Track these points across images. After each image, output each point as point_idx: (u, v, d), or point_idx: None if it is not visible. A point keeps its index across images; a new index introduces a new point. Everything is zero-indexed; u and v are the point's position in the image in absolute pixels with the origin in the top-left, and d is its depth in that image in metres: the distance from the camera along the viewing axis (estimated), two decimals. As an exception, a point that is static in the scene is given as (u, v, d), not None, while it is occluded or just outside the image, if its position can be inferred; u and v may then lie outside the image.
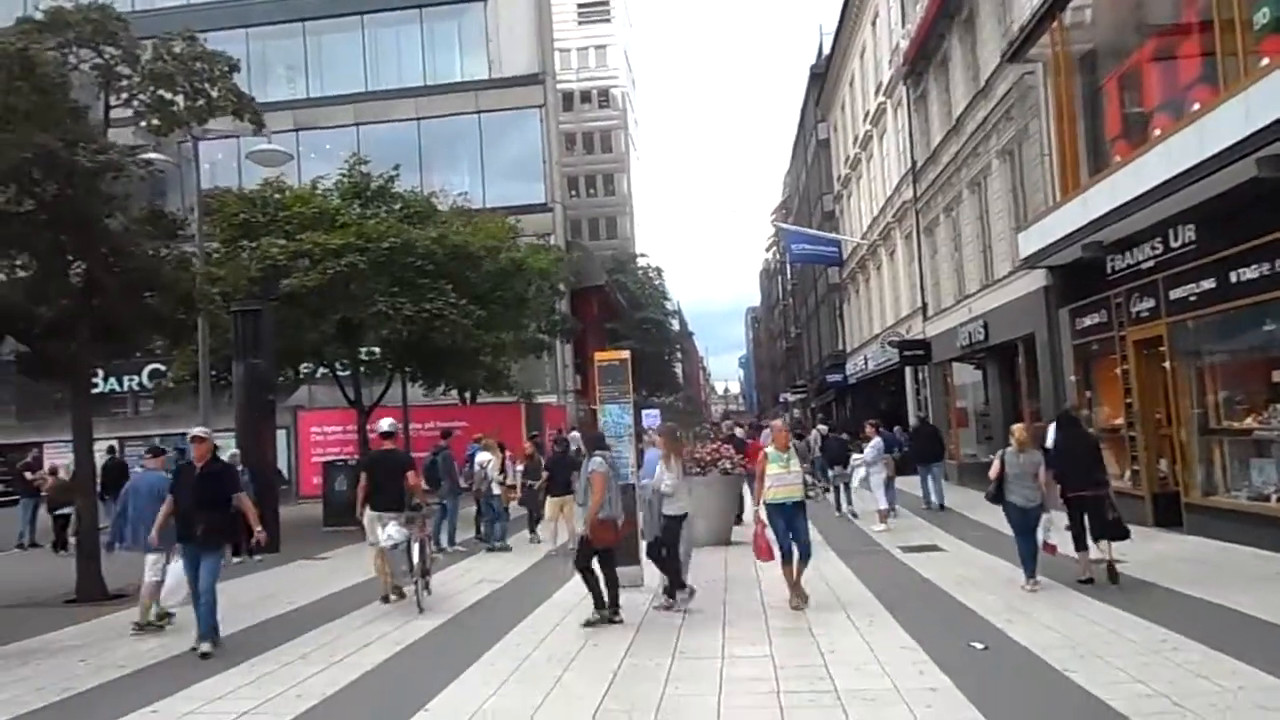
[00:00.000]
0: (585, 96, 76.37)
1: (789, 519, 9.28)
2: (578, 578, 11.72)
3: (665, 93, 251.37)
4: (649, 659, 7.42)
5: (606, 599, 9.03)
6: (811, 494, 10.35)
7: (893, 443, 17.45)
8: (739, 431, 20.95)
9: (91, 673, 7.80)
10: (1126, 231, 12.70)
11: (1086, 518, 9.71)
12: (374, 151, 22.70)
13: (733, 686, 6.55)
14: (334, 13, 39.46)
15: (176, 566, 8.94)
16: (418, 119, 38.42)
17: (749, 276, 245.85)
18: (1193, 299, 11.67)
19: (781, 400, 77.98)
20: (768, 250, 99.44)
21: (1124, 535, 9.75)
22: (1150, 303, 12.77)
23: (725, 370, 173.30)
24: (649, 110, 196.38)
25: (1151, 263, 12.55)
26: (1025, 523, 9.66)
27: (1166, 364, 12.49)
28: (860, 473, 16.39)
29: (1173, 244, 11.94)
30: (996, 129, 18.80)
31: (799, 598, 9.25)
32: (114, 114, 12.46)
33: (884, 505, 15.74)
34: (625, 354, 11.63)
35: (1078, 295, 15.21)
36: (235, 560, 14.39)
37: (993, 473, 9.96)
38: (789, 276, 73.88)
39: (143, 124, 12.34)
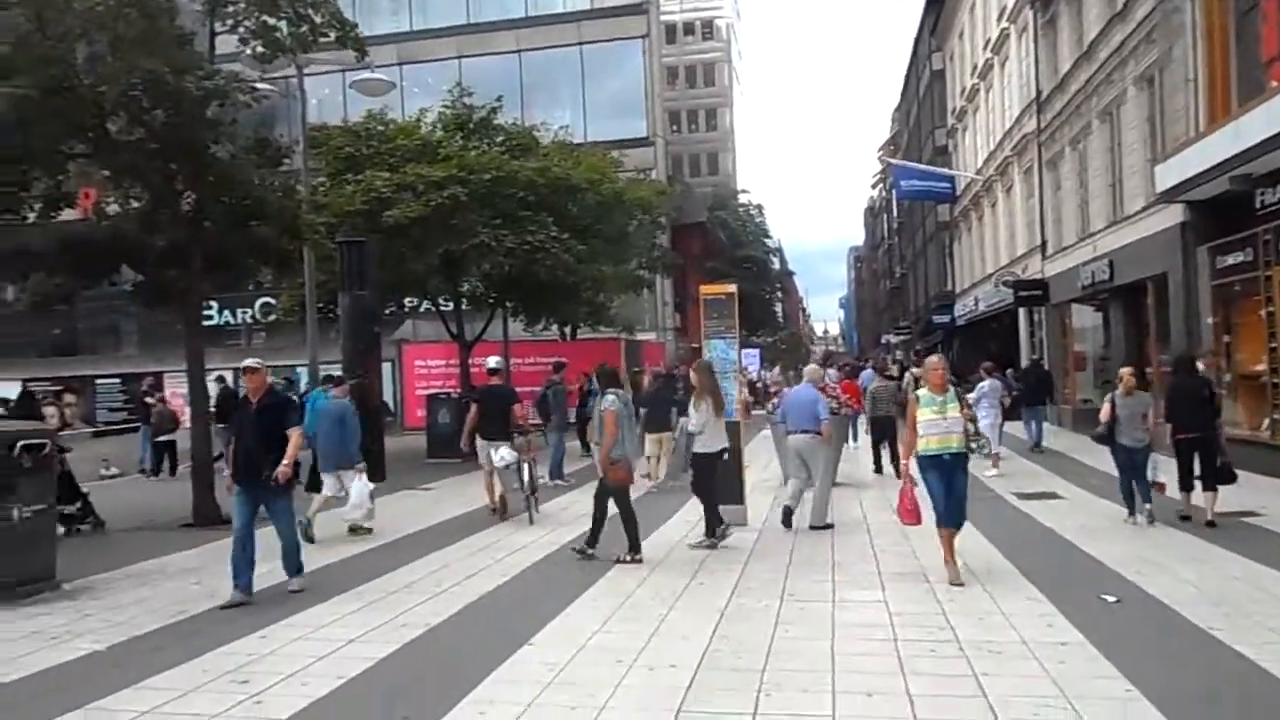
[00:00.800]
0: (689, 28, 74.75)
1: (947, 473, 7.72)
2: (680, 513, 11.71)
3: (771, 24, 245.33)
4: (756, 600, 7.16)
5: (627, 540, 8.82)
6: (974, 445, 8.58)
7: (1005, 386, 16.74)
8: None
9: (205, 595, 7.92)
10: (1282, 162, 11.66)
11: (1197, 460, 9.80)
12: (476, 85, 22.49)
13: (846, 632, 6.24)
14: (436, -55, 39.26)
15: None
16: (519, 51, 38.13)
17: (852, 215, 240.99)
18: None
19: (884, 341, 76.44)
20: (873, 187, 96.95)
21: (1231, 479, 9.76)
22: (1305, 239, 11.76)
23: (825, 310, 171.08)
24: (753, 43, 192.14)
25: (1309, 195, 11.52)
26: (1131, 462, 9.99)
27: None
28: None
29: (1336, 175, 10.90)
30: (1134, 54, 17.51)
31: (955, 571, 7.65)
32: (220, 42, 12.46)
33: (995, 449, 15.13)
34: (732, 288, 11.25)
35: (1220, 232, 14.15)
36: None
37: (1104, 415, 10.22)
38: (895, 215, 71.85)
39: (247, 50, 12.24)
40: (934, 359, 8.67)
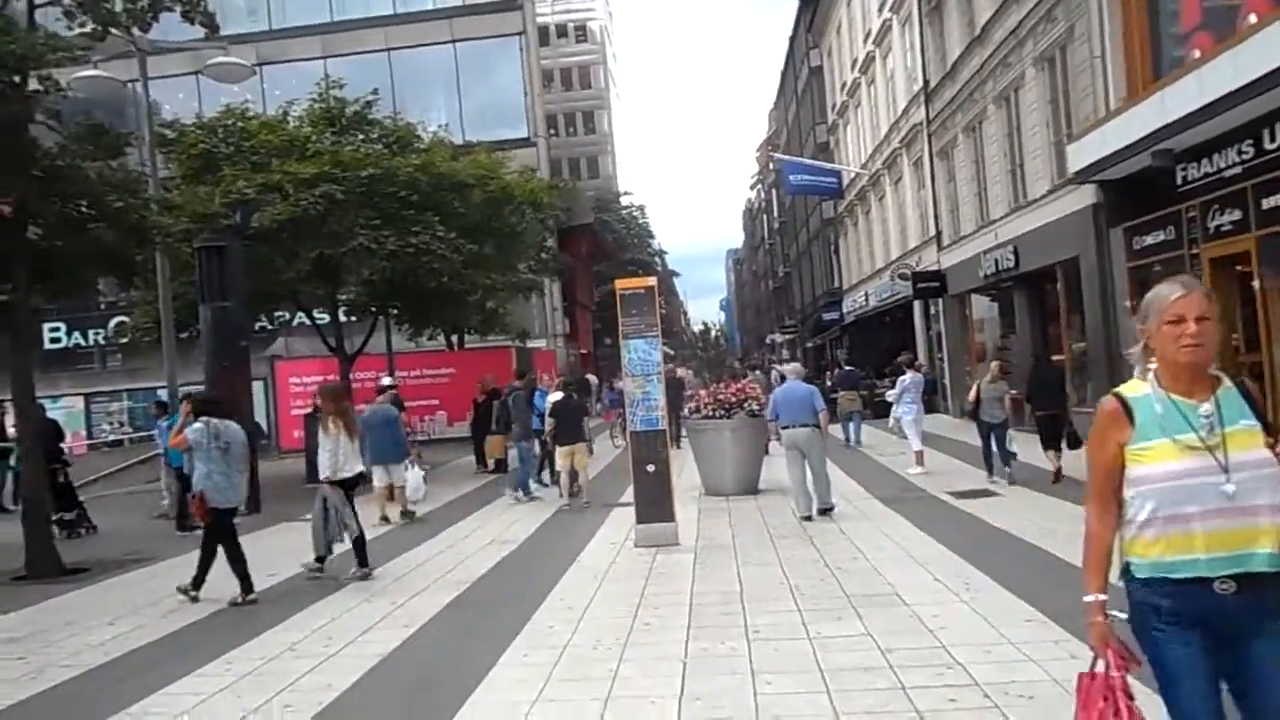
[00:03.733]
0: (561, 30, 73.54)
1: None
2: (601, 534, 10.53)
3: (644, 27, 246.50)
4: (719, 642, 6.02)
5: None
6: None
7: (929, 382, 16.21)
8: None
9: (29, 677, 6.33)
10: (1210, 135, 11.21)
11: (1051, 429, 12.33)
12: (346, 88, 20.75)
13: (840, 681, 5.14)
14: (296, -62, 37.08)
15: (414, 473, 12.84)
16: (388, 50, 36.22)
17: (727, 218, 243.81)
18: (1295, 206, 10.25)
19: (769, 341, 76.83)
20: (752, 188, 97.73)
21: (1077, 445, 11.80)
22: (1235, 215, 11.34)
23: (702, 314, 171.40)
24: (627, 46, 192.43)
25: (1239, 169, 11.09)
26: (991, 432, 12.50)
27: (1255, 284, 11.08)
28: (895, 411, 15.11)
29: (1268, 145, 10.46)
30: (1033, 34, 17.17)
31: None
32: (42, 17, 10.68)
33: (918, 446, 14.46)
34: (651, 281, 10.14)
35: (1136, 212, 13.77)
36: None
37: (971, 396, 13.02)
38: (776, 214, 72.24)
39: (74, 27, 10.50)
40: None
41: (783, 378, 22.29)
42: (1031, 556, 8.09)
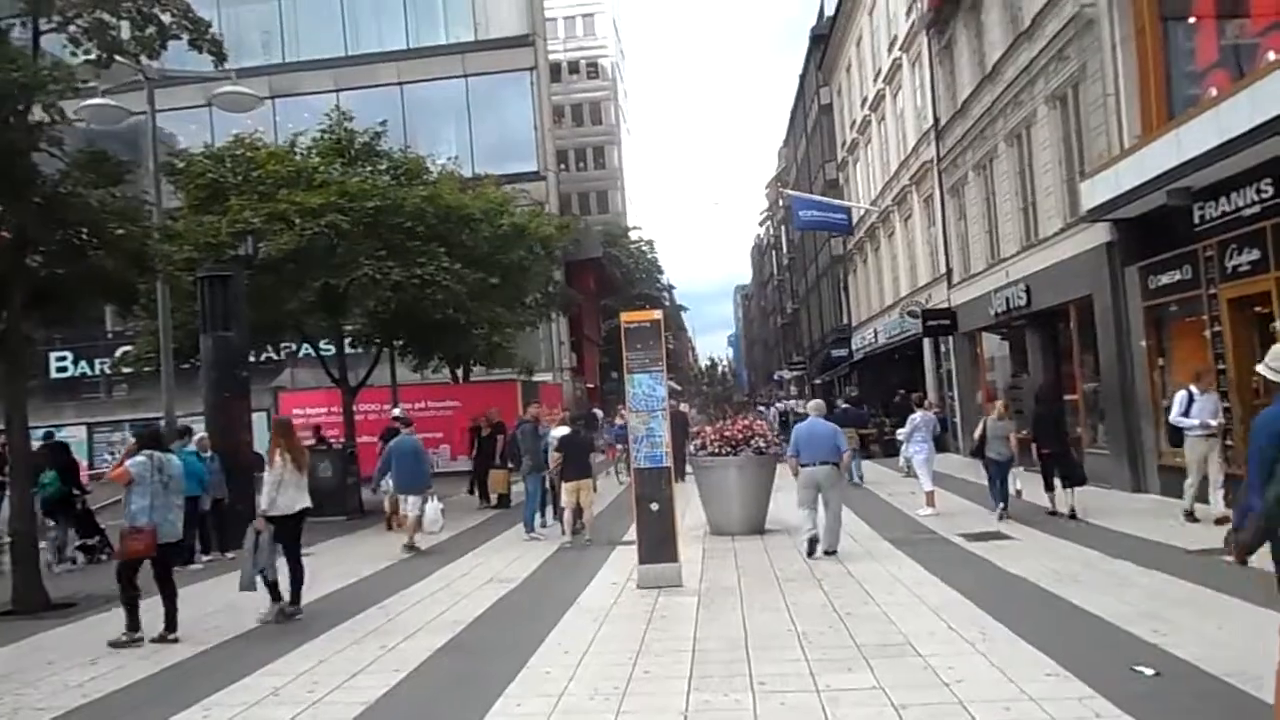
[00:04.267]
0: (573, 67, 74.11)
1: None
2: (602, 574, 10.25)
3: (655, 64, 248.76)
4: (723, 694, 5.73)
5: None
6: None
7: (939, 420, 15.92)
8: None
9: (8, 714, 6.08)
10: (1227, 173, 11.00)
11: (1056, 469, 12.55)
12: (355, 120, 20.71)
13: (850, 739, 4.88)
14: (310, -27, 37.43)
15: (431, 506, 13.55)
16: (400, 84, 36.40)
17: (735, 255, 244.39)
18: (1317, 246, 10.02)
19: (777, 378, 76.50)
20: (761, 225, 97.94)
21: (1082, 481, 12.53)
22: (1254, 254, 11.10)
23: (710, 350, 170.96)
24: (638, 83, 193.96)
25: (1258, 208, 10.87)
26: (999, 472, 12.70)
27: (1277, 324, 10.80)
28: (906, 451, 14.83)
29: (1289, 183, 10.26)
30: (1044, 72, 17.05)
31: None
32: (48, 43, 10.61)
33: (929, 487, 14.13)
34: (657, 314, 9.91)
35: (1151, 251, 13.54)
36: (205, 559, 12.73)
37: (976, 434, 13.22)
38: (785, 251, 72.24)
39: (79, 54, 10.42)
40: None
41: (781, 415, 22.90)
42: (1048, 604, 7.78)
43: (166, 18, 11.27)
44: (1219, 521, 10.10)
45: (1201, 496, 11.06)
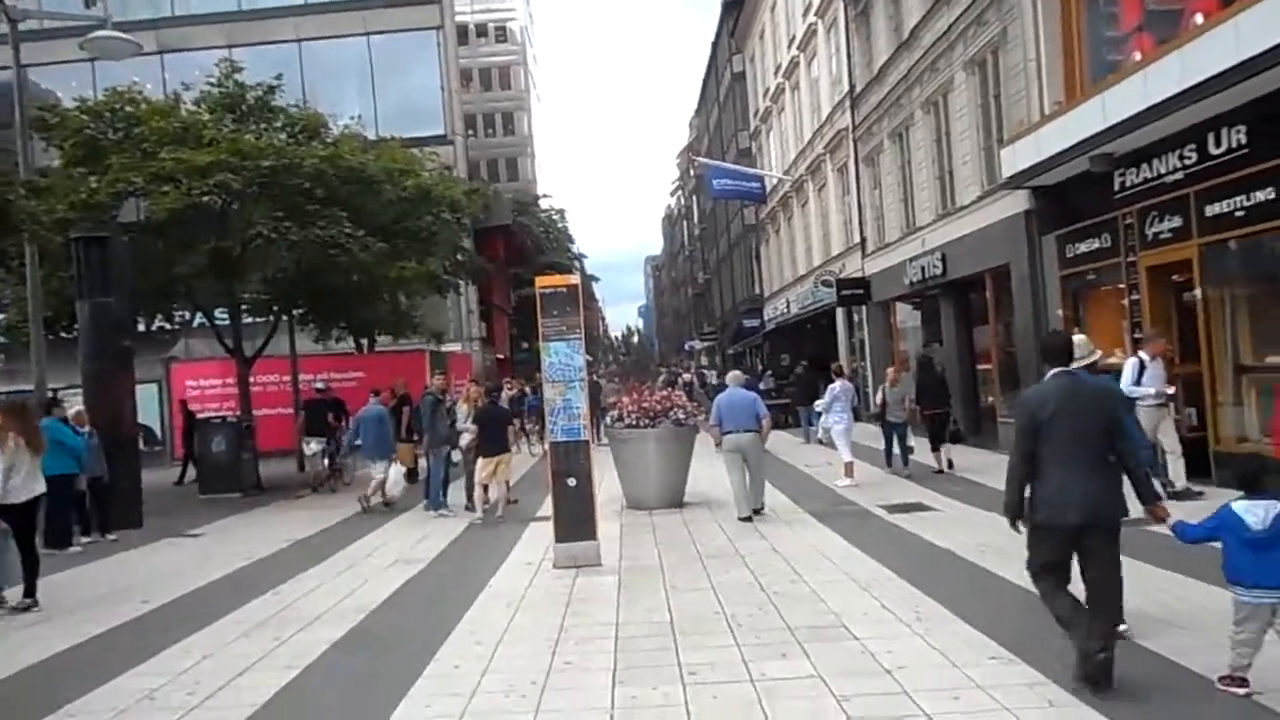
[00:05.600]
0: (481, 30, 72.17)
1: None
2: (516, 553, 9.72)
3: (565, 30, 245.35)
4: (650, 687, 5.26)
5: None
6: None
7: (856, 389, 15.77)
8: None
9: None
10: (1151, 139, 10.91)
11: (937, 428, 14.09)
12: (249, 79, 19.43)
13: (792, 736, 4.46)
14: (202, -79, 35.37)
15: (394, 470, 13.57)
16: (298, 40, 34.68)
17: (646, 226, 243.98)
18: (1239, 214, 9.94)
19: (688, 348, 76.62)
20: (672, 195, 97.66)
21: (960, 439, 15.21)
22: (1176, 221, 11.05)
23: (620, 320, 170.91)
24: (548, 49, 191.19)
25: (1180, 174, 10.80)
26: (893, 433, 14.15)
27: (1197, 291, 10.78)
28: (825, 421, 14.62)
29: (1213, 150, 10.17)
30: (963, 37, 16.89)
31: None
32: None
33: (848, 458, 13.93)
34: (574, 279, 9.40)
35: (1070, 219, 13.49)
36: (85, 540, 11.77)
37: (877, 400, 14.90)
38: (696, 221, 72.10)
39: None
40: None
41: (689, 384, 23.85)
42: (980, 580, 7.51)
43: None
44: (1177, 495, 9.54)
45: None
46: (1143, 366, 10.08)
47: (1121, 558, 5.06)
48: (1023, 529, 5.11)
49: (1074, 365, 5.61)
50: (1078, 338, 6.33)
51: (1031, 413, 4.96)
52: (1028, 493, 5.03)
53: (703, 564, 8.61)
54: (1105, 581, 4.93)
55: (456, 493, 13.14)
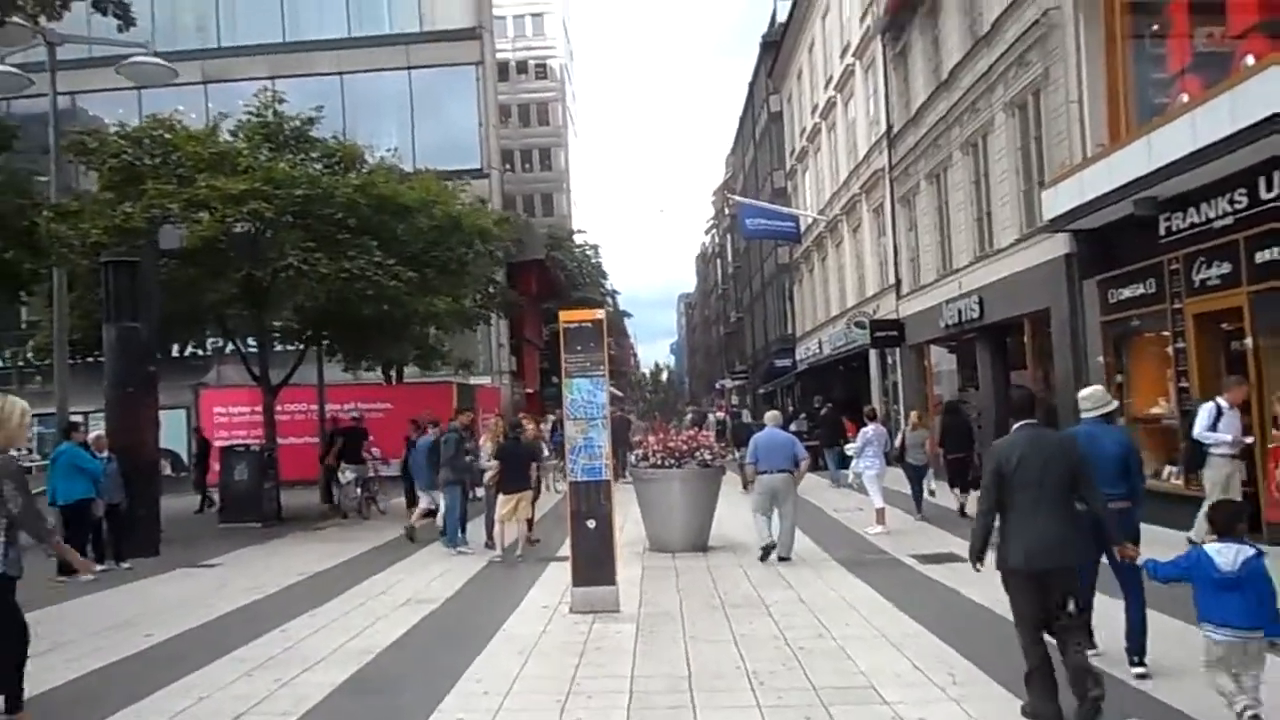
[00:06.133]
0: (522, 67, 73.03)
1: None
2: (533, 595, 9.42)
3: (604, 67, 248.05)
4: (665, 749, 4.96)
5: None
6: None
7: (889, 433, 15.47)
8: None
9: None
10: (1199, 182, 10.56)
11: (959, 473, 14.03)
12: (290, 109, 19.54)
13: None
14: (249, -43, 36.06)
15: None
16: (340, 74, 35.09)
17: (679, 263, 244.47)
18: (1294, 261, 9.56)
19: (719, 386, 76.14)
20: (706, 233, 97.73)
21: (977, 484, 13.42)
22: (1225, 268, 10.65)
23: (651, 357, 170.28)
24: (587, 86, 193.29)
25: (1230, 219, 10.42)
26: (916, 475, 14.39)
27: (1248, 340, 10.36)
28: (856, 466, 14.25)
29: (1264, 194, 9.81)
30: (1003, 79, 16.63)
31: None
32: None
33: (880, 504, 13.53)
34: (599, 313, 9.13)
35: (1113, 263, 13.10)
36: (99, 568, 11.58)
37: (897, 443, 14.87)
38: (730, 259, 71.97)
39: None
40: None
41: (718, 423, 23.99)
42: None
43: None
44: None
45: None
46: (1219, 413, 9.34)
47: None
48: (980, 568, 5.49)
49: (1092, 414, 6.28)
50: (1095, 389, 6.63)
51: (998, 463, 5.28)
52: (995, 538, 5.34)
53: (725, 613, 8.28)
54: (1075, 628, 5.20)
55: (477, 530, 12.89)
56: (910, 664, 6.46)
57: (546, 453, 17.90)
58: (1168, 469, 12.31)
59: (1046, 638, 5.25)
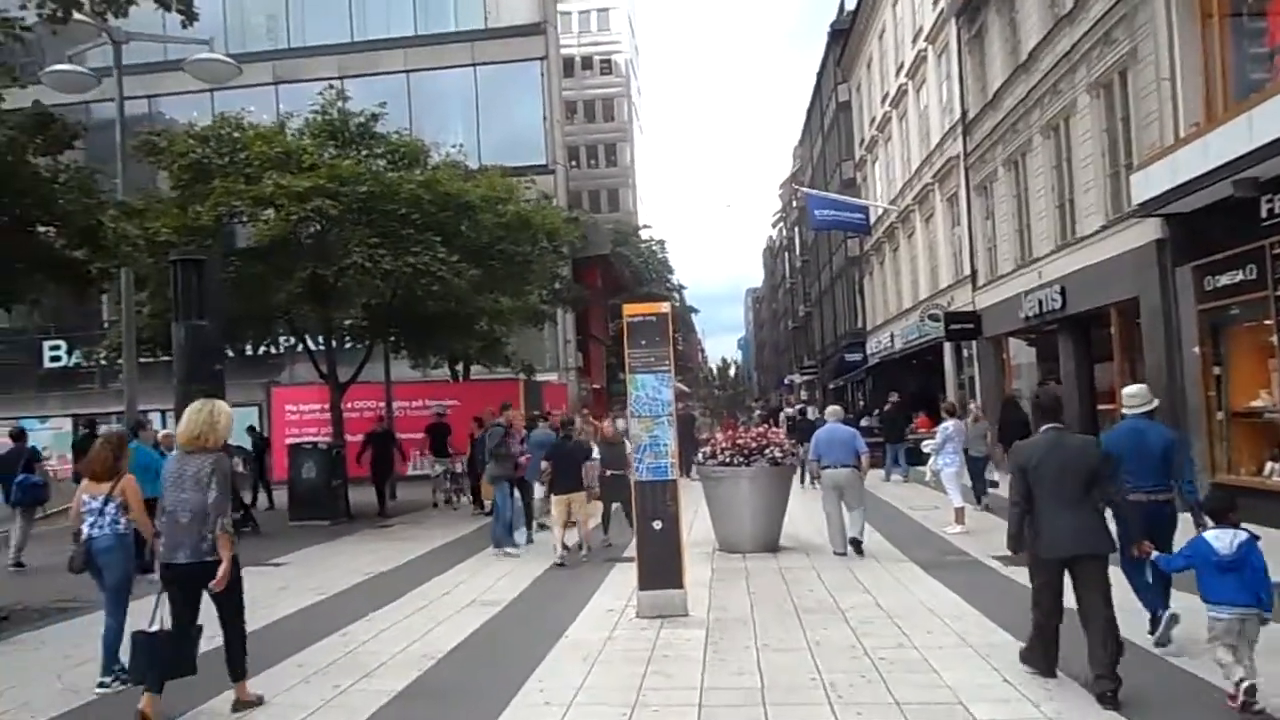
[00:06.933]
0: (587, 63, 73.03)
1: None
2: (598, 599, 9.14)
3: (669, 61, 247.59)
4: (736, 771, 4.62)
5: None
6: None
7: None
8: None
9: None
10: (1305, 160, 9.85)
11: None
12: (358, 107, 19.57)
13: None
14: (318, -42, 36.46)
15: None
16: (407, 71, 35.35)
17: (746, 258, 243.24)
18: None
19: (787, 382, 75.34)
20: (774, 226, 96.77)
21: None
22: (1334, 251, 9.94)
23: (718, 352, 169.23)
24: (652, 80, 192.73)
25: (1340, 199, 9.71)
26: (976, 467, 14.38)
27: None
28: (934, 463, 13.72)
29: (1380, 171, 9.09)
30: (1086, 59, 15.87)
31: None
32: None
33: (959, 502, 13.00)
34: (664, 306, 8.76)
35: (1209, 249, 12.35)
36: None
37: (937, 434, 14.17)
38: (798, 253, 71.10)
39: (29, 5, 9.36)
40: None
41: (790, 419, 24.05)
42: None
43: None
44: None
45: None
46: None
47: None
48: (1017, 553, 6.09)
49: (1135, 411, 6.85)
50: (1139, 387, 7.13)
51: (1022, 463, 5.90)
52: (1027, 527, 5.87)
53: (799, 618, 7.89)
54: (1095, 606, 5.59)
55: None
56: (1000, 676, 6.02)
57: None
58: (1269, 465, 11.57)
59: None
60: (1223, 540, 5.38)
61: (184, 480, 5.79)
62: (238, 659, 5.96)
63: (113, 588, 6.61)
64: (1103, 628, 5.53)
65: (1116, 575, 6.01)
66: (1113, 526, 5.92)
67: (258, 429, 21.69)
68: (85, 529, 6.58)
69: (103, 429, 16.59)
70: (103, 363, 26.64)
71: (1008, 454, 13.63)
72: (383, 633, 7.93)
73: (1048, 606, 5.82)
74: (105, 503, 6.59)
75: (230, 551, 5.76)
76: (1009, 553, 6.23)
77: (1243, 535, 5.38)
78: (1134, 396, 6.92)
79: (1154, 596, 6.60)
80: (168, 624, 5.76)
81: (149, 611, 5.86)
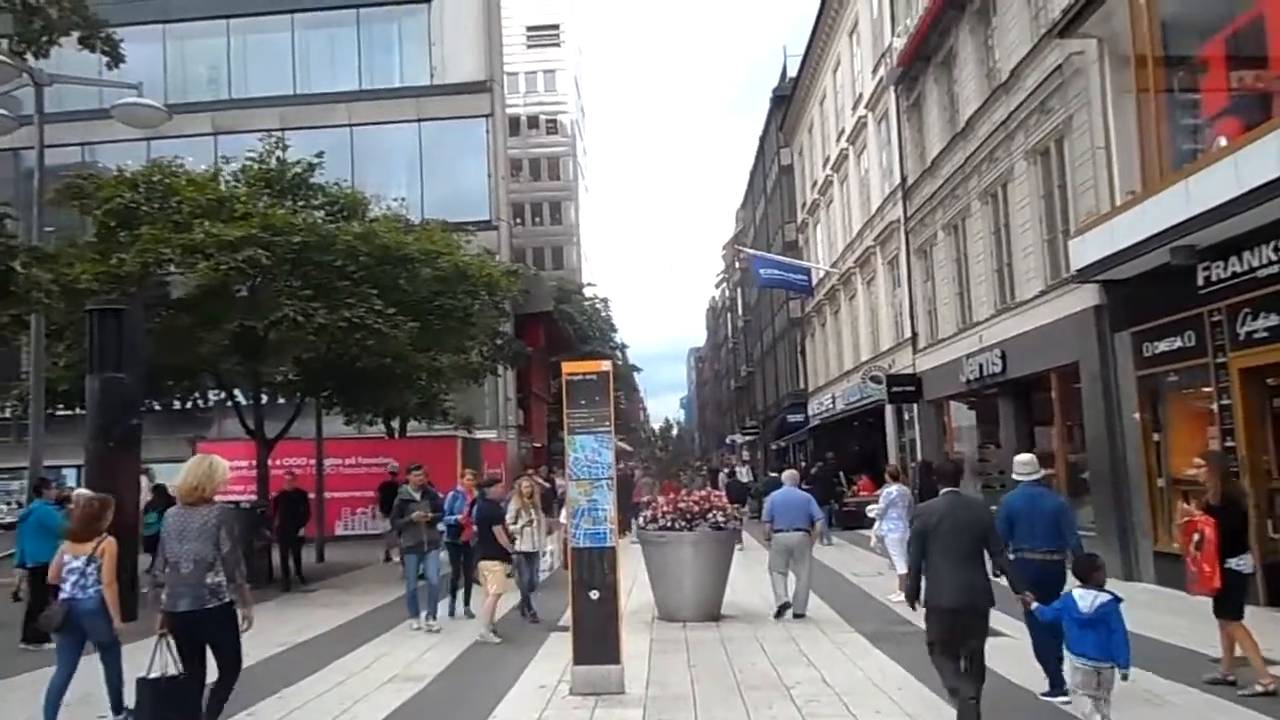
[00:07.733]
0: (533, 122, 73.54)
1: None
2: (530, 673, 8.64)
3: (614, 123, 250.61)
4: None
5: None
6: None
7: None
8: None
9: None
10: (1242, 229, 9.95)
11: None
12: (294, 152, 19.08)
13: None
14: (261, 10, 36.15)
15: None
16: (350, 125, 35.00)
17: (688, 317, 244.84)
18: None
19: (729, 441, 75.23)
20: (716, 287, 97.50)
21: None
22: (1274, 320, 9.98)
23: (660, 412, 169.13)
24: (597, 141, 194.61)
25: (1277, 267, 9.78)
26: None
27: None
28: (879, 529, 13.46)
29: (1316, 241, 9.18)
30: (1024, 126, 16.13)
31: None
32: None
33: (903, 569, 12.72)
34: (605, 365, 8.45)
35: (1147, 315, 12.44)
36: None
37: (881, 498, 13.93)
38: (740, 313, 71.57)
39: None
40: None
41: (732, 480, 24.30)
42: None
43: (54, 12, 9.84)
44: None
45: None
46: None
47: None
48: (916, 608, 6.54)
49: (1026, 478, 7.44)
50: (1028, 456, 7.69)
51: (924, 522, 6.43)
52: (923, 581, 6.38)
53: (741, 696, 7.51)
54: (977, 651, 6.25)
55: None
56: (959, 761, 5.69)
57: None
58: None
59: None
60: (1085, 600, 5.89)
61: (188, 532, 5.92)
62: (215, 709, 6.05)
63: (103, 645, 6.91)
64: (980, 663, 6.22)
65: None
66: (1004, 583, 6.43)
67: (166, 488, 20.70)
68: (66, 589, 6.69)
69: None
70: (14, 415, 25.44)
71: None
72: (295, 711, 7.37)
73: (945, 660, 6.24)
74: (87, 563, 6.70)
75: (250, 601, 6.15)
76: (909, 603, 6.65)
77: (1105, 597, 5.85)
78: (1025, 465, 7.55)
79: (1052, 657, 6.99)
80: (168, 670, 5.81)
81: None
